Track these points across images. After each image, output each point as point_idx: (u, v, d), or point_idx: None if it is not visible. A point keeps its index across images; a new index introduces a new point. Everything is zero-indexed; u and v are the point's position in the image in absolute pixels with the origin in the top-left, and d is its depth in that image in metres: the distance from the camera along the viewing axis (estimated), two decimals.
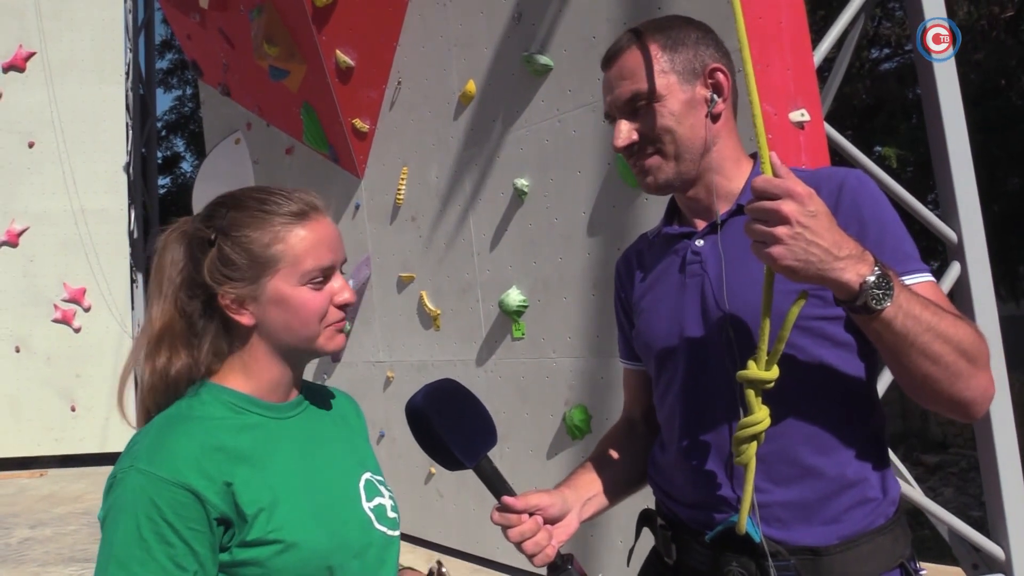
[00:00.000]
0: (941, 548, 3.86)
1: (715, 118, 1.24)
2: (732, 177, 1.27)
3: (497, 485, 1.18)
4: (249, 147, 6.77)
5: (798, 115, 3.03)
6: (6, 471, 8.87)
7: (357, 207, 5.44)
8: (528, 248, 4.14)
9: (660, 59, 1.23)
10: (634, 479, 1.41)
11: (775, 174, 1.03)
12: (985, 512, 3.47)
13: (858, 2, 3.44)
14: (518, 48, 4.08)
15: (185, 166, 17.00)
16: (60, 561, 5.49)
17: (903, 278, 1.11)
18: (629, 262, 1.43)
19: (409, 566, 1.32)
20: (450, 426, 1.14)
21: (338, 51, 4.95)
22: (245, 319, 1.11)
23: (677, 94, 1.22)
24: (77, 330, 9.25)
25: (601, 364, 3.79)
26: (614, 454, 1.41)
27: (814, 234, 0.99)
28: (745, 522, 1.12)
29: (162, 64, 15.05)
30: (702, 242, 1.27)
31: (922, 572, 1.21)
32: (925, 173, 7.83)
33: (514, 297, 4.18)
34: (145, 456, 1.03)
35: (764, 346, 1.07)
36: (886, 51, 10.56)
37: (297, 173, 6.06)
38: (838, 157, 3.51)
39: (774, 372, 1.08)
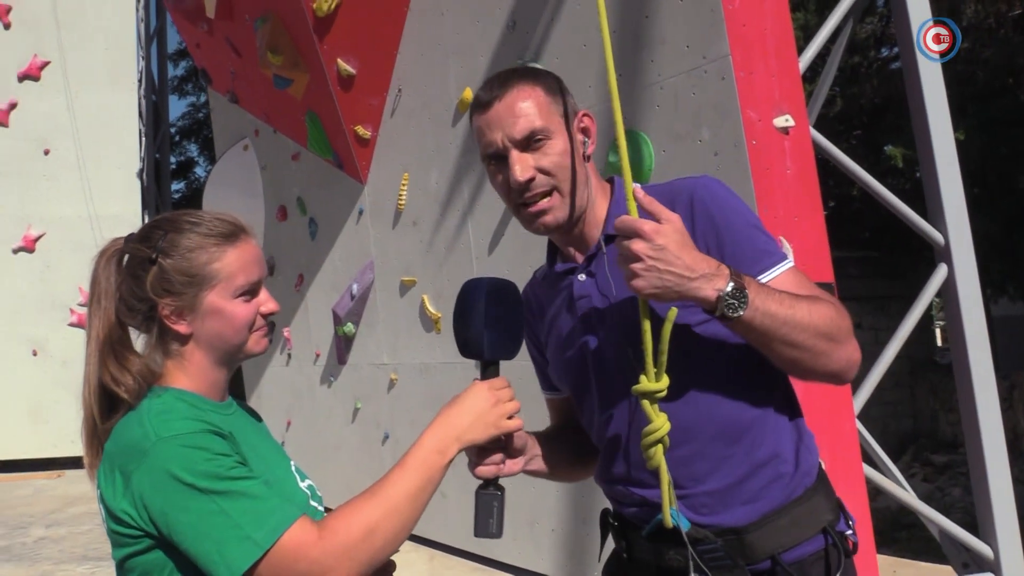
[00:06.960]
0: (938, 548, 3.88)
1: (587, 158, 1.35)
2: (599, 209, 1.38)
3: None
4: (257, 153, 6.88)
5: (782, 121, 3.07)
6: (24, 472, 9.04)
7: (360, 212, 5.53)
8: (525, 253, 4.20)
9: (547, 102, 1.32)
10: (570, 461, 1.50)
11: (640, 207, 1.16)
12: None
13: (845, 6, 3.48)
14: (513, 56, 4.14)
15: (199, 171, 17.15)
16: (73, 559, 5.62)
17: (761, 276, 1.23)
18: (529, 300, 1.50)
19: None
20: (498, 317, 1.24)
21: (339, 60, 5.03)
22: (182, 328, 1.23)
23: (564, 135, 1.32)
24: None
25: None
26: (557, 436, 1.53)
27: (666, 263, 1.13)
28: (669, 517, 1.23)
29: (177, 72, 15.22)
30: (584, 276, 1.37)
31: (847, 532, 1.30)
32: None
33: None
34: (162, 430, 1.11)
35: (649, 360, 1.21)
36: (895, 50, 10.51)
37: (303, 179, 6.15)
38: (826, 162, 3.55)
39: (664, 382, 1.21)
